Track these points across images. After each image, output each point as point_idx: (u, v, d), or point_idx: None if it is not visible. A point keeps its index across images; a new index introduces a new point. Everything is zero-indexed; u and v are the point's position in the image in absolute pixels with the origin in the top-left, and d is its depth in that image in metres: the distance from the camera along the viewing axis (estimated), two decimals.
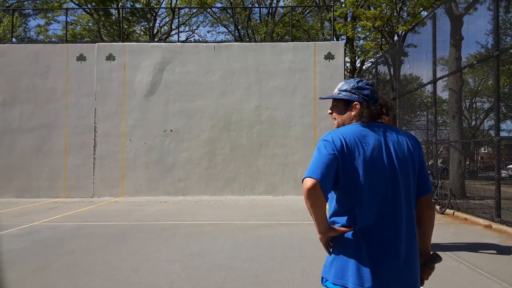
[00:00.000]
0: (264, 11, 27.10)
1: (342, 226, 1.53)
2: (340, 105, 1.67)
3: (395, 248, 1.47)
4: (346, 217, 1.52)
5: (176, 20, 25.59)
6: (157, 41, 22.45)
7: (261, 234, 6.17)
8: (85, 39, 25.33)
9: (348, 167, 1.47)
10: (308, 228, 6.43)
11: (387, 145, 1.53)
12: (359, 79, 1.69)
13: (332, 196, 1.58)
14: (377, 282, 1.43)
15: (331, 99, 1.71)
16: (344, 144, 1.48)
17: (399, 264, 1.47)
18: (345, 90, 1.66)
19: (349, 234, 1.51)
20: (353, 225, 1.50)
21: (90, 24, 26.37)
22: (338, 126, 1.67)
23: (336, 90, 1.70)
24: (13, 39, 18.46)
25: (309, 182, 1.42)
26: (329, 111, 1.73)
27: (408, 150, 1.55)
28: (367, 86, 1.64)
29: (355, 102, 1.62)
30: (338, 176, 1.48)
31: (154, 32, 28.09)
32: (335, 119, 1.70)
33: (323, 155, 1.47)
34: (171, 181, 12.16)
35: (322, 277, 1.60)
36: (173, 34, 28.56)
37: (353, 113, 1.62)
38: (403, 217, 1.50)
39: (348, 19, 21.20)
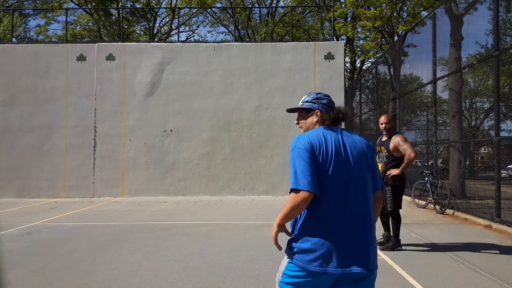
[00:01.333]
0: (264, 11, 27.11)
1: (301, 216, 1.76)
2: (304, 114, 2.00)
3: (349, 233, 1.69)
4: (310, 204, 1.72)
5: (176, 20, 25.60)
6: (157, 41, 22.46)
7: (261, 234, 6.17)
8: (85, 39, 25.33)
9: (316, 164, 1.72)
10: None
11: (344, 145, 1.79)
12: (318, 92, 2.04)
13: None
14: (339, 263, 1.65)
15: (298, 111, 2.04)
16: (311, 144, 1.75)
17: (354, 248, 1.68)
18: (307, 101, 1.99)
19: (314, 222, 1.71)
20: (316, 210, 1.71)
21: (90, 24, 26.38)
22: (305, 131, 1.96)
23: (300, 103, 2.03)
24: (13, 39, 18.46)
25: (304, 194, 1.64)
26: (296, 122, 2.06)
27: (362, 151, 1.82)
28: (325, 97, 1.99)
29: (316, 110, 1.94)
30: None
31: (154, 32, 28.10)
32: (301, 127, 2.02)
33: (304, 162, 1.70)
34: (171, 181, 12.16)
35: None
36: (173, 34, 28.59)
37: (315, 119, 1.94)
38: (357, 205, 1.73)
39: (348, 19, 21.20)
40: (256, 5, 27.51)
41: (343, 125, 2.27)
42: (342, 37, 22.75)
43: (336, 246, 1.66)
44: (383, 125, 5.28)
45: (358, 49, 24.76)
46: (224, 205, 10.11)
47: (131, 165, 12.20)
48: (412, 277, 3.96)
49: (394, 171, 4.98)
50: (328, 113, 1.89)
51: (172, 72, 12.49)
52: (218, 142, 12.30)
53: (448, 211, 8.28)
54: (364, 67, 24.42)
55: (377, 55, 19.63)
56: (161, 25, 29.58)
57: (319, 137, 1.77)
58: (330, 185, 1.70)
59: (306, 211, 1.73)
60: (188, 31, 30.05)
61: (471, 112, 17.89)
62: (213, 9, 25.46)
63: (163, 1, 27.37)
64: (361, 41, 24.21)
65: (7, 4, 25.31)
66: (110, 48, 12.63)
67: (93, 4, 23.72)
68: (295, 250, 1.73)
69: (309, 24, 27.21)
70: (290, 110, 2.10)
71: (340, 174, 1.71)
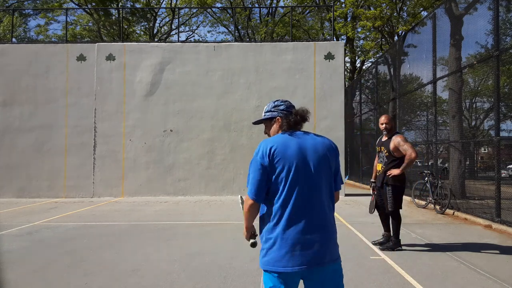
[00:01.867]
0: (264, 11, 27.11)
1: (265, 212, 1.94)
2: (268, 123, 2.13)
3: (308, 226, 1.84)
4: (275, 200, 1.88)
5: (176, 20, 25.61)
6: (157, 41, 22.46)
7: None
8: (85, 39, 25.33)
9: (274, 168, 1.86)
10: None
11: (304, 149, 1.90)
12: (276, 100, 2.16)
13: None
14: (302, 258, 1.80)
15: (262, 122, 2.17)
16: (272, 151, 1.86)
17: (313, 239, 1.83)
18: (268, 111, 2.13)
19: (276, 225, 1.86)
20: (276, 216, 1.86)
21: (90, 24, 26.38)
22: None
23: (263, 113, 2.16)
24: (13, 39, 18.46)
25: (250, 201, 1.89)
26: (264, 132, 2.18)
27: (323, 154, 1.93)
28: (282, 103, 2.11)
29: (277, 117, 2.07)
30: (268, 178, 1.87)
31: (154, 32, 28.11)
32: (269, 135, 2.13)
33: (256, 174, 1.87)
34: (171, 181, 12.16)
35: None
36: (173, 34, 28.60)
37: (277, 126, 2.08)
38: (315, 205, 1.86)
39: (348, 19, 21.20)
40: (256, 5, 27.52)
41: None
42: (342, 37, 22.75)
43: (298, 246, 1.81)
44: (383, 125, 5.27)
45: (358, 49, 24.77)
46: (224, 205, 10.11)
47: (131, 165, 12.20)
48: (412, 277, 3.96)
49: (395, 171, 4.98)
50: (288, 118, 2.01)
51: (172, 72, 12.48)
52: (218, 142, 12.30)
53: (448, 211, 8.28)
54: (364, 67, 24.43)
55: (377, 55, 19.64)
56: (161, 25, 29.60)
57: (278, 144, 1.89)
58: (290, 190, 1.85)
59: (268, 219, 1.90)
60: (188, 31, 30.08)
61: (471, 112, 17.88)
62: (213, 9, 25.47)
63: (163, 1, 27.38)
64: (361, 41, 24.22)
65: (7, 4, 25.32)
66: (110, 48, 12.63)
67: (93, 4, 23.72)
68: (263, 256, 1.88)
69: (309, 24, 27.22)
70: (255, 123, 2.22)
71: (298, 178, 1.85)
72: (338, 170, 2.01)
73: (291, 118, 2.00)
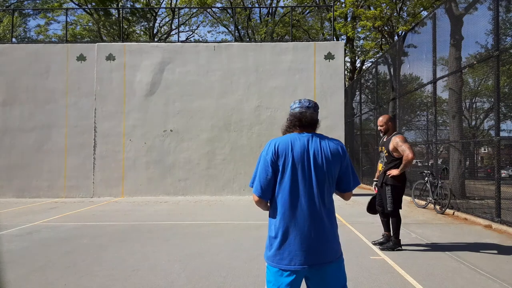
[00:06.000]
0: (264, 11, 27.11)
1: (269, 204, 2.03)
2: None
3: (306, 228, 1.88)
4: (277, 198, 1.95)
5: (176, 20, 25.61)
6: (157, 41, 22.46)
7: (261, 234, 6.16)
8: (85, 39, 25.33)
9: (280, 166, 1.94)
10: None
11: (308, 150, 1.97)
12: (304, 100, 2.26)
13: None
14: (296, 257, 1.85)
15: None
16: (277, 149, 1.95)
17: (310, 241, 1.87)
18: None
19: (278, 225, 1.92)
20: (276, 206, 1.95)
21: (90, 24, 26.38)
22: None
23: (313, 110, 2.28)
24: (13, 39, 18.46)
25: (255, 197, 1.97)
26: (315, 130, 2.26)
27: (330, 155, 1.97)
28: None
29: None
30: (276, 175, 1.94)
31: (154, 32, 28.11)
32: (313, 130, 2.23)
33: (262, 170, 1.95)
34: (171, 181, 12.16)
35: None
36: (173, 34, 28.59)
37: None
38: (315, 203, 1.90)
39: (348, 19, 21.20)
40: (256, 5, 27.51)
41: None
42: (342, 37, 22.76)
43: (292, 243, 1.87)
44: (379, 127, 5.33)
45: (358, 49, 24.77)
46: (224, 205, 10.11)
47: (131, 165, 12.20)
48: (412, 277, 3.96)
49: (394, 172, 4.99)
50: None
51: (172, 72, 12.48)
52: (218, 142, 12.29)
53: (448, 211, 8.28)
54: (364, 67, 24.43)
55: (377, 55, 19.65)
56: (161, 25, 29.59)
57: (288, 143, 2.03)
58: (289, 186, 1.95)
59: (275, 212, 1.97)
60: (188, 31, 30.06)
61: (471, 112, 17.88)
62: (213, 9, 25.46)
63: (163, 1, 27.38)
64: (361, 41, 24.22)
65: (7, 4, 25.32)
66: (110, 48, 12.63)
67: (93, 4, 23.73)
68: (268, 252, 1.94)
69: (309, 24, 27.22)
70: (316, 123, 2.27)
71: (299, 177, 1.93)
72: (346, 170, 2.03)
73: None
